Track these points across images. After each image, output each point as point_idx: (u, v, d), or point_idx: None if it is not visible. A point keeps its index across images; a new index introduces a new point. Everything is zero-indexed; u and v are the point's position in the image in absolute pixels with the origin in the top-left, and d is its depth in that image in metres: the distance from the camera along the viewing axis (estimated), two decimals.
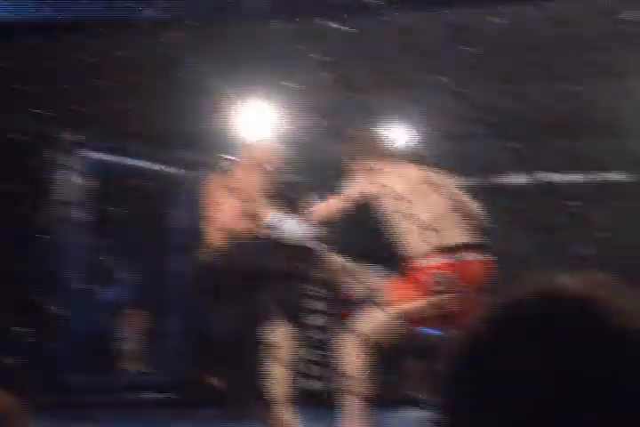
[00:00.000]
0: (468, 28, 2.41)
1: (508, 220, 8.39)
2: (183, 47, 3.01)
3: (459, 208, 4.60)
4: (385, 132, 4.22)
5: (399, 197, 4.13)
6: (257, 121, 6.64)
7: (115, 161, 7.09)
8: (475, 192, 7.99)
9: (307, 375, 7.33)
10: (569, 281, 0.80)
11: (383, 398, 6.77)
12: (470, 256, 4.54)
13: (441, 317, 4.40)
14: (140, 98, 3.12)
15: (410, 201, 3.74)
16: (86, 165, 7.66)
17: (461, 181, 7.64)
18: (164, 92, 3.10)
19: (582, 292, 0.78)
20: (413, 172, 4.56)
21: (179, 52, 2.95)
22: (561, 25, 2.42)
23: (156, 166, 6.86)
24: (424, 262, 4.39)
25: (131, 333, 7.94)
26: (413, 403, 6.55)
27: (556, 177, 7.07)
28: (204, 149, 6.20)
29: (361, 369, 4.32)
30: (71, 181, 7.62)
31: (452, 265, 4.47)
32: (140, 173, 7.16)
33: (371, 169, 4.24)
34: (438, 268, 4.45)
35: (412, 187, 4.40)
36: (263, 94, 3.69)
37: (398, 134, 7.08)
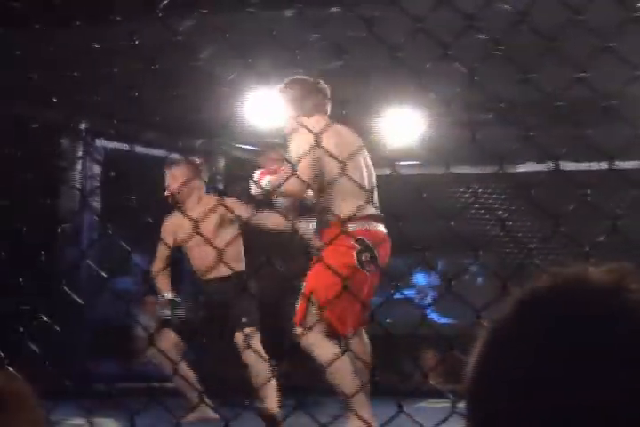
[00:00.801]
0: (478, 15, 2.37)
1: (523, 208, 8.37)
2: (194, 34, 2.99)
3: (370, 178, 4.49)
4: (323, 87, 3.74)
5: (334, 157, 3.68)
6: (269, 109, 6.66)
7: (130, 149, 7.10)
8: (489, 181, 7.99)
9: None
10: (595, 271, 0.78)
11: (406, 390, 6.78)
12: (380, 227, 4.44)
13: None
14: (154, 85, 3.10)
15: (344, 162, 3.41)
16: (101, 153, 7.70)
17: (476, 170, 7.68)
18: (178, 80, 3.08)
19: (610, 282, 0.76)
20: (346, 132, 4.22)
21: (190, 39, 2.94)
22: (573, 11, 2.38)
23: (171, 154, 6.86)
24: (351, 227, 4.25)
25: (147, 320, 7.98)
26: (438, 394, 6.50)
27: (571, 165, 7.04)
28: (217, 136, 6.17)
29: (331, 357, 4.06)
30: (86, 169, 7.67)
31: (371, 233, 4.36)
32: (155, 161, 7.19)
33: (301, 126, 3.83)
34: (361, 233, 4.31)
35: (346, 149, 4.04)
36: (275, 82, 3.67)
37: (410, 122, 7.12)
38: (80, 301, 2.65)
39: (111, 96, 2.94)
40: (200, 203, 5.60)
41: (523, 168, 8.29)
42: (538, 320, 0.76)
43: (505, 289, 2.16)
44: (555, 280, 0.78)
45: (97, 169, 7.79)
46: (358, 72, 2.51)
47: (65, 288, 2.82)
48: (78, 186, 7.39)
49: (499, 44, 2.40)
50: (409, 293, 8.77)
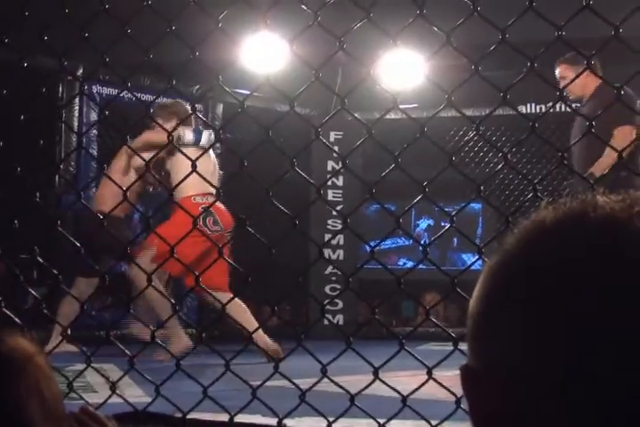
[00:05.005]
0: None
1: (525, 149, 8.32)
2: None
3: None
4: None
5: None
6: (265, 53, 6.52)
7: (125, 94, 7.03)
8: (489, 123, 7.92)
9: None
10: (604, 200, 0.74)
11: (399, 333, 6.81)
12: (219, 204, 5.82)
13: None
14: (148, 29, 3.03)
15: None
16: (97, 98, 7.63)
17: (477, 112, 7.61)
18: (173, 19, 3.00)
19: (620, 209, 0.73)
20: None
21: None
22: None
23: (166, 100, 6.77)
24: (195, 200, 5.85)
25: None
26: (439, 337, 6.51)
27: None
28: (211, 81, 6.10)
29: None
30: (83, 115, 7.60)
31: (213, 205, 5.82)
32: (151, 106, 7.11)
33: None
34: (205, 204, 5.64)
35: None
36: (272, 24, 3.60)
37: (409, 64, 6.99)
38: (77, 244, 2.61)
39: (105, 38, 2.87)
40: None
41: (523, 109, 8.22)
42: (548, 247, 0.72)
43: (507, 224, 2.14)
44: (562, 210, 0.75)
45: (93, 115, 7.72)
46: (357, 8, 2.44)
47: (63, 232, 2.79)
48: (76, 131, 7.33)
49: None
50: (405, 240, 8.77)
